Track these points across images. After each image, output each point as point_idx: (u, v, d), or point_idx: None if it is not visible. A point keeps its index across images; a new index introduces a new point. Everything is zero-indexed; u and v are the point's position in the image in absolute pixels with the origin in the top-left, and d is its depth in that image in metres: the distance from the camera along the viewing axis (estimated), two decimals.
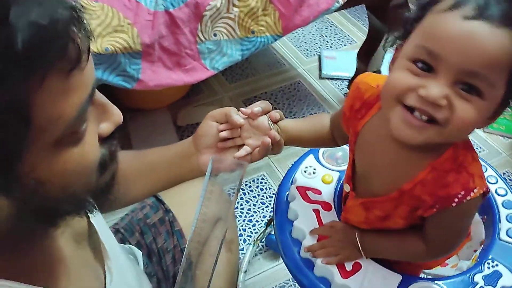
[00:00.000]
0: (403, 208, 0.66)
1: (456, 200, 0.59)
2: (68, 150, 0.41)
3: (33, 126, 0.36)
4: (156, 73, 1.16)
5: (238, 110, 0.74)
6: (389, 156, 0.64)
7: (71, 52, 0.37)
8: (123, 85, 1.15)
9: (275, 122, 0.74)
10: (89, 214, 0.63)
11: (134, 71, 1.14)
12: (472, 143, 0.63)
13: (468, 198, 0.59)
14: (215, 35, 1.19)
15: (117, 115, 0.48)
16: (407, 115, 0.54)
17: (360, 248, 0.72)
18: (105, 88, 1.15)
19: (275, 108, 0.77)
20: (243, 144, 0.73)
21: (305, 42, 2.10)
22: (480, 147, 1.65)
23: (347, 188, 0.75)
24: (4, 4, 0.33)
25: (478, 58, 0.50)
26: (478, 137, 1.67)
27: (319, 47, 2.07)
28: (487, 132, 1.69)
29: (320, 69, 1.93)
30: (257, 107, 0.73)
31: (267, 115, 0.74)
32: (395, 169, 0.64)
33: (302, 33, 2.14)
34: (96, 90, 0.45)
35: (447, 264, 0.90)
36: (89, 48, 0.41)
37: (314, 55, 2.03)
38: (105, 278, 0.62)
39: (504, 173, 1.57)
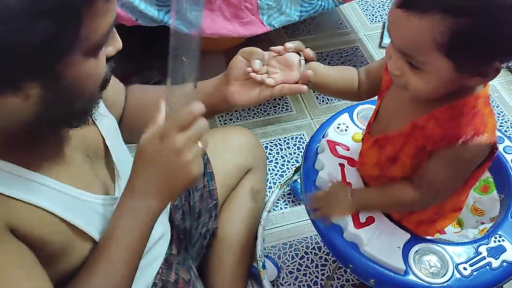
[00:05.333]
0: (412, 145, 0.73)
1: (462, 139, 0.66)
2: (90, 60, 0.53)
3: (81, 32, 0.48)
4: (214, 21, 1.22)
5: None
6: (416, 97, 0.71)
7: None
8: (181, 29, 1.21)
9: (309, 60, 0.79)
10: (105, 138, 0.74)
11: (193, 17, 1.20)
12: None
13: (475, 140, 0.66)
14: None
15: (119, 42, 0.59)
16: None
17: (352, 203, 0.80)
18: (167, 27, 1.23)
19: None
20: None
21: (372, 6, 2.06)
22: None
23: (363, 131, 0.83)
24: None
25: (402, 41, 0.62)
26: None
27: (386, 14, 2.02)
28: None
29: (381, 38, 1.91)
30: (290, 43, 0.79)
31: (301, 52, 0.79)
32: (417, 106, 0.71)
33: None
34: None
35: (445, 233, 0.97)
36: None
37: (378, 21, 2.00)
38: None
39: None
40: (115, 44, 0.58)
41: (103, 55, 0.55)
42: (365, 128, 0.94)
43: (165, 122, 0.63)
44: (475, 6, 0.55)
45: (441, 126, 0.68)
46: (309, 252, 1.32)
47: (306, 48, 0.80)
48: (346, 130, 0.95)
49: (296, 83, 0.78)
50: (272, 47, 0.79)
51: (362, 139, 0.86)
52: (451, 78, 0.62)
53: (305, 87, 0.78)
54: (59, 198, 0.61)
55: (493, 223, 0.89)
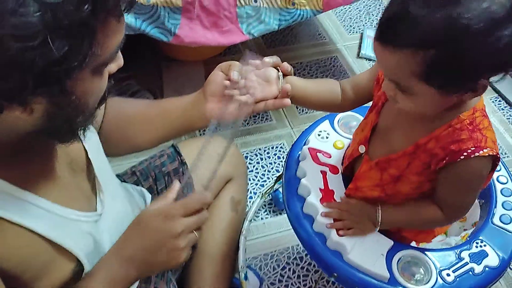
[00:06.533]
0: (417, 164, 0.74)
1: (465, 154, 0.67)
2: (96, 77, 0.54)
3: (93, 50, 0.49)
4: (193, 30, 1.21)
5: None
6: (412, 112, 0.72)
7: (124, 0, 0.52)
8: (160, 38, 1.21)
9: (286, 74, 0.79)
10: (88, 152, 0.74)
11: (172, 26, 1.19)
12: (499, 148, 0.69)
13: (476, 154, 0.67)
14: (255, 1, 1.23)
15: (121, 59, 0.60)
16: None
17: (380, 222, 0.79)
18: (145, 35, 1.22)
19: None
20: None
21: (350, 18, 2.09)
22: (506, 154, 1.64)
23: (362, 149, 0.82)
24: None
25: (384, 69, 0.66)
26: (506, 143, 1.66)
27: (363, 25, 2.06)
28: None
29: (359, 48, 1.93)
30: (268, 58, 0.78)
31: (278, 67, 0.79)
32: (416, 124, 0.73)
33: (349, 7, 2.13)
34: None
35: (431, 241, 0.97)
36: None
37: (356, 32, 2.03)
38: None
39: None
40: (117, 61, 0.59)
41: (106, 72, 0.57)
42: (346, 138, 0.95)
43: (173, 203, 0.68)
44: (440, 38, 0.57)
45: (441, 146, 0.69)
46: (290, 263, 1.31)
47: (283, 62, 0.79)
48: (327, 138, 0.95)
49: (275, 98, 0.78)
50: (250, 61, 0.78)
51: (360, 154, 0.83)
52: (438, 99, 0.64)
53: (288, 100, 0.78)
54: (48, 218, 0.60)
55: (474, 228, 0.90)
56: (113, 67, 0.58)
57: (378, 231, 0.82)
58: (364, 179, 0.81)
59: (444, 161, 0.69)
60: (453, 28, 0.56)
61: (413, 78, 0.62)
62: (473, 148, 0.66)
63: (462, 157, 0.67)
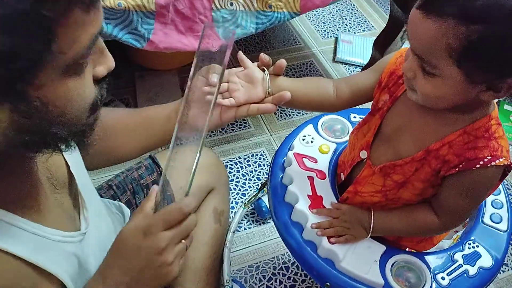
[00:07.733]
0: (425, 170, 0.71)
1: (481, 163, 0.65)
2: (71, 79, 0.47)
3: (54, 45, 0.42)
4: (167, 35, 1.17)
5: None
6: (423, 116, 0.70)
7: None
8: (133, 44, 1.16)
9: (266, 65, 0.75)
10: (70, 166, 0.68)
11: (146, 31, 1.15)
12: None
13: (493, 163, 0.64)
14: (231, 4, 1.20)
15: (111, 61, 0.53)
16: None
17: (372, 227, 0.77)
18: (117, 44, 1.17)
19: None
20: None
21: (324, 22, 2.09)
22: None
23: (364, 154, 0.79)
24: None
25: (417, 42, 0.61)
26: None
27: (337, 29, 2.06)
28: None
29: (334, 52, 1.93)
30: (262, 54, 0.75)
31: (265, 68, 0.75)
32: (427, 128, 0.70)
33: (322, 12, 2.13)
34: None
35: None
36: None
37: (331, 36, 2.03)
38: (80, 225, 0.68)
39: None
40: (106, 63, 0.52)
41: (89, 74, 0.50)
42: (331, 142, 0.92)
43: (152, 215, 0.61)
44: (491, 16, 0.54)
45: (455, 152, 0.67)
46: (276, 273, 1.27)
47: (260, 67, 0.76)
48: (312, 142, 0.92)
49: (261, 100, 0.74)
50: (240, 54, 0.75)
51: (362, 160, 0.80)
52: (461, 87, 0.60)
53: (274, 107, 0.74)
54: (30, 240, 0.55)
55: (464, 228, 0.89)
56: (101, 69, 0.52)
57: (374, 239, 0.79)
58: (365, 184, 0.78)
59: (457, 169, 0.66)
60: (507, 6, 0.53)
61: (446, 55, 0.57)
62: (490, 157, 0.64)
63: (478, 165, 0.65)
